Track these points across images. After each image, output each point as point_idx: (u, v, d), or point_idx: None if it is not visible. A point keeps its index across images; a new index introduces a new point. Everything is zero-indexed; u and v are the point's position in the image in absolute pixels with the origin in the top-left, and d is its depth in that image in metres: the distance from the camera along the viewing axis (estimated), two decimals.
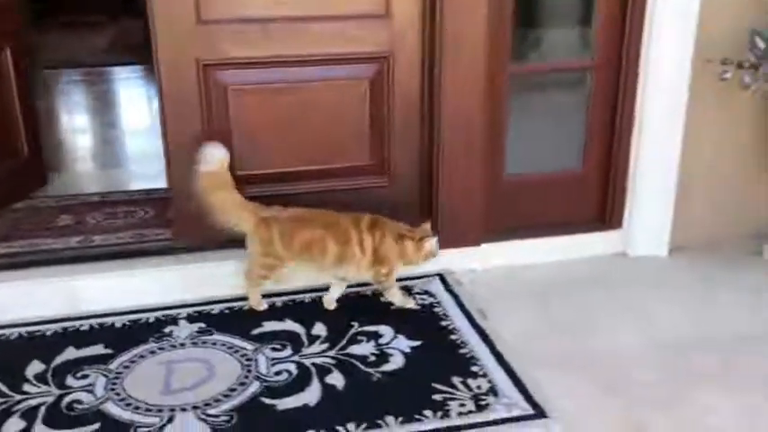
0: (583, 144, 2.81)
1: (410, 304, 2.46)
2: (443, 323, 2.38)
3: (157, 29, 2.37)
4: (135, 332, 2.33)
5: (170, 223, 2.66)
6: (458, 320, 2.39)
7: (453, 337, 2.30)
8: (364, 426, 1.90)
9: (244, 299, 2.49)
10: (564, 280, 2.69)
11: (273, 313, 2.43)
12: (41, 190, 3.19)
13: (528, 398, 2.00)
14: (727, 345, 2.27)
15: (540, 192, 2.84)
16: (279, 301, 2.50)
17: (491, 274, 2.72)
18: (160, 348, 2.25)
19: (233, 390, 2.05)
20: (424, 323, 2.38)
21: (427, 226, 2.44)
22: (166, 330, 2.34)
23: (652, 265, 2.80)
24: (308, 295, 2.53)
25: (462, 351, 2.23)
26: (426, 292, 2.55)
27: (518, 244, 2.80)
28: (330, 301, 2.46)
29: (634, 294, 2.59)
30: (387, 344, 2.26)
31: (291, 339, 2.28)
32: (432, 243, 2.38)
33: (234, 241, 2.55)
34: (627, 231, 2.87)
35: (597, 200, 2.88)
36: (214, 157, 2.33)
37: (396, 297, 2.44)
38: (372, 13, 2.51)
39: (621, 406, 1.99)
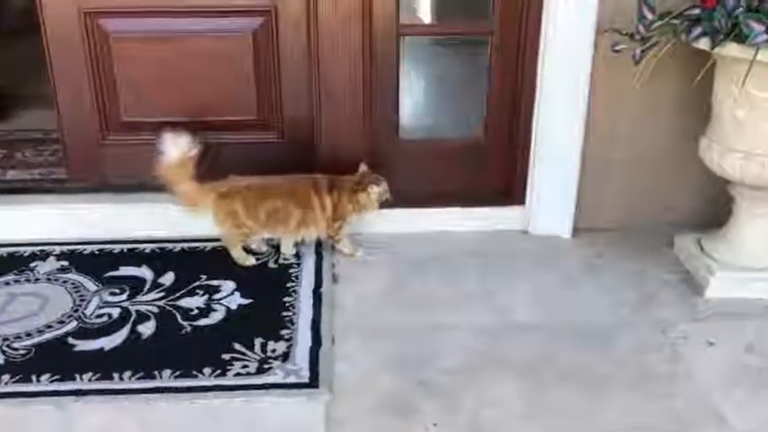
0: (485, 112, 2.67)
1: (359, 252, 2.54)
2: (289, 284, 2.37)
3: None
4: (4, 263, 2.46)
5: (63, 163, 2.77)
6: (304, 283, 2.38)
7: (288, 299, 2.29)
8: (139, 375, 1.95)
9: (118, 242, 2.59)
10: (446, 253, 2.60)
11: (137, 259, 2.50)
12: None
13: (313, 367, 1.98)
14: (555, 337, 2.13)
15: (439, 159, 2.73)
16: (148, 247, 2.57)
17: (374, 240, 2.66)
18: (16, 281, 2.37)
19: (50, 326, 2.14)
20: (270, 282, 2.38)
21: (365, 168, 2.47)
22: (32, 265, 2.46)
23: (546, 246, 2.65)
24: (179, 245, 2.58)
25: (285, 314, 2.21)
26: (296, 253, 2.54)
27: (411, 212, 2.72)
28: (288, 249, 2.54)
29: (507, 274, 2.47)
30: (219, 299, 2.28)
31: (135, 285, 2.35)
32: (381, 186, 2.44)
33: (128, 186, 2.64)
34: (529, 208, 2.72)
35: (501, 173, 2.74)
36: (173, 147, 2.31)
37: (346, 246, 2.52)
38: None
39: (403, 387, 1.93)
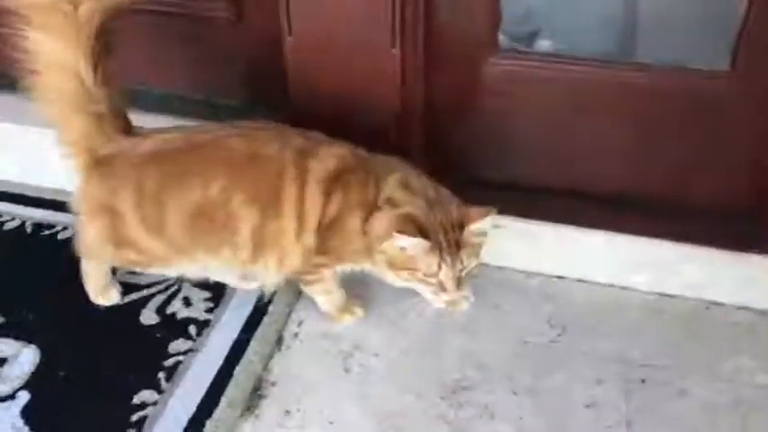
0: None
1: (348, 319, 1.11)
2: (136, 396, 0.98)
3: None
4: None
5: None
6: (177, 395, 0.98)
7: None
8: None
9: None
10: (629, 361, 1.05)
11: None
12: None
13: None
14: None
15: (604, 114, 1.09)
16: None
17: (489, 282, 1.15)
18: None
19: None
20: (106, 378, 1.02)
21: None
22: None
23: None
24: (33, 214, 1.27)
25: None
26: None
27: (555, 232, 1.15)
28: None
29: None
30: None
31: None
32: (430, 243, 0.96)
33: None
34: None
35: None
36: None
37: (327, 305, 1.10)
38: None
39: None
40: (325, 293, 1.08)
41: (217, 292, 1.12)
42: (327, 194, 0.98)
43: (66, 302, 1.10)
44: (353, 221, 0.98)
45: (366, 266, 1.03)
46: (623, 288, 1.13)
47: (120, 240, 1.02)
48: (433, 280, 0.97)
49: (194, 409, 0.96)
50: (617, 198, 1.13)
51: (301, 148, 0.99)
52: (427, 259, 0.95)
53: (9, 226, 1.24)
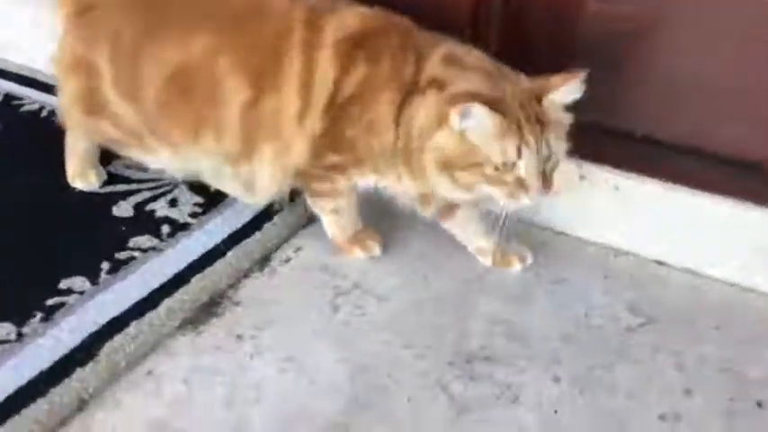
0: None
1: (358, 253, 0.84)
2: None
3: None
4: None
5: None
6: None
7: None
8: None
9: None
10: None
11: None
12: None
13: None
14: None
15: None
16: None
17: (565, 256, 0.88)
18: None
19: None
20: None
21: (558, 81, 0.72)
22: None
23: None
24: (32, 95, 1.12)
25: None
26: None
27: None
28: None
29: None
30: None
31: None
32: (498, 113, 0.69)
33: None
34: None
35: None
36: None
37: (334, 228, 0.84)
38: None
39: None
40: (333, 213, 0.83)
41: (212, 200, 0.91)
42: (345, 62, 0.74)
43: (43, 180, 0.93)
44: (382, 104, 0.74)
45: (393, 183, 0.77)
46: (747, 289, 0.80)
47: (93, 104, 0.84)
48: (509, 176, 0.69)
49: (125, 308, 0.74)
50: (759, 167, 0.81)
51: (316, 5, 0.76)
52: (501, 143, 0.68)
53: (27, 108, 1.11)
